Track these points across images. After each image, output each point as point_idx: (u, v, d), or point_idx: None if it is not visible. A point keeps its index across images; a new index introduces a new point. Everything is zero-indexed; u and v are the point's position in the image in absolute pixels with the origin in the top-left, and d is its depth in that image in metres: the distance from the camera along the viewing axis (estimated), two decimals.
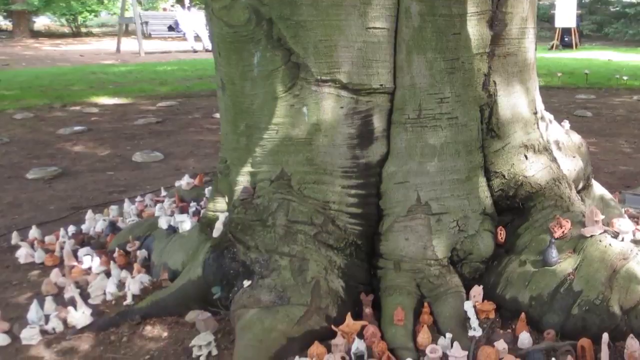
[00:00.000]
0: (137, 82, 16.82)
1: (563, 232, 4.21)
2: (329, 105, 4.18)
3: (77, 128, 10.95)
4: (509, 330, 3.98)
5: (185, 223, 5.22)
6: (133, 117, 12.06)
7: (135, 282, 4.68)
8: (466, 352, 3.54)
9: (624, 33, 31.99)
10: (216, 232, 4.52)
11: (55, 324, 4.20)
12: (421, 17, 4.20)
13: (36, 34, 34.84)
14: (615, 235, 4.25)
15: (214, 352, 3.81)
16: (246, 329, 3.80)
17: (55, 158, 9.14)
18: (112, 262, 5.01)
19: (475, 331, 3.92)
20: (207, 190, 6.00)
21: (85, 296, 4.56)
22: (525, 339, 3.78)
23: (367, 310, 4.08)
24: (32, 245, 5.51)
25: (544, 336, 3.83)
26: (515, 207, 4.49)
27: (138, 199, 6.69)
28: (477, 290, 4.20)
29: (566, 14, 25.95)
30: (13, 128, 10.98)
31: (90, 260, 5.12)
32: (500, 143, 4.53)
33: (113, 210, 6.31)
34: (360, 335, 3.82)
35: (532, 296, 4.02)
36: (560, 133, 5.20)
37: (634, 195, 6.16)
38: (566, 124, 5.60)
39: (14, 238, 5.71)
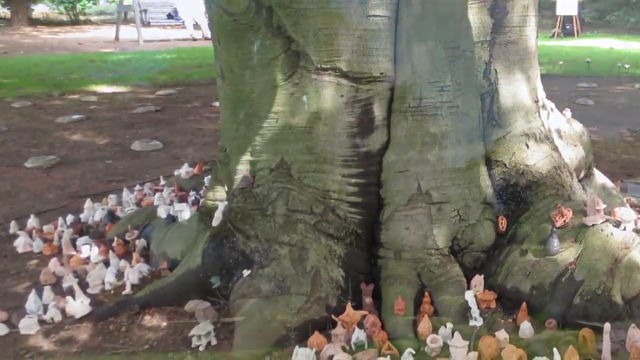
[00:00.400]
0: (136, 70, 16.76)
1: (564, 221, 4.18)
2: (329, 93, 4.14)
3: (75, 117, 10.90)
4: (510, 320, 3.97)
5: (185, 212, 5.20)
6: (132, 106, 12.02)
7: (134, 272, 4.67)
8: (467, 342, 3.52)
9: (625, 21, 31.87)
10: (215, 221, 4.50)
11: (53, 314, 4.18)
12: (422, 5, 4.17)
13: (34, 22, 34.70)
14: (617, 224, 4.22)
15: (214, 342, 3.80)
16: (246, 318, 3.79)
17: (53, 147, 9.11)
18: (110, 251, 4.99)
19: (476, 321, 3.90)
20: (207, 179, 5.97)
21: (83, 286, 4.54)
22: (526, 328, 3.77)
23: (368, 299, 4.06)
24: (30, 235, 5.49)
25: (546, 326, 3.81)
26: (517, 196, 4.46)
27: (137, 187, 6.66)
28: (478, 280, 4.18)
29: (568, 2, 25.83)
30: (11, 116, 10.94)
31: (89, 250, 5.10)
32: (502, 132, 4.50)
33: (112, 199, 6.29)
34: (361, 325, 3.81)
35: (533, 286, 4.01)
36: (561, 121, 5.17)
37: (635, 184, 6.14)
38: (568, 112, 5.57)
39: (12, 227, 5.68)
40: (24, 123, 10.76)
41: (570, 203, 4.35)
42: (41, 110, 11.81)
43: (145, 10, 31.17)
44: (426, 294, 4.03)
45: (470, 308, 3.96)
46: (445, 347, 3.60)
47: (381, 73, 4.16)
